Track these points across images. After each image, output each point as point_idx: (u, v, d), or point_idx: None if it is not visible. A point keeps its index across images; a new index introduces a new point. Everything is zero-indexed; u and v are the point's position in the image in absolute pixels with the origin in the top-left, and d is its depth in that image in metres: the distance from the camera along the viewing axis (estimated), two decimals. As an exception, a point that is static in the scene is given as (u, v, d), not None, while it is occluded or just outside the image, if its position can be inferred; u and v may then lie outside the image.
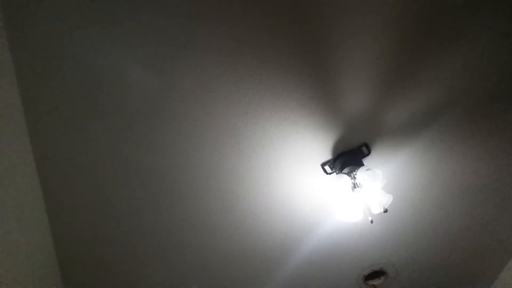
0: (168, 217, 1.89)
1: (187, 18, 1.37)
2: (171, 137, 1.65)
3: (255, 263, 2.21)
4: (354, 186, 1.69)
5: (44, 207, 1.71)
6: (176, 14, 1.36)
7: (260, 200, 1.92)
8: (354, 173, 1.70)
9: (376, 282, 2.49)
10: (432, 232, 2.24)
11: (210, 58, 1.47)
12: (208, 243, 2.04)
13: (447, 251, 2.36)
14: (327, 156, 1.82)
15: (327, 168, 1.84)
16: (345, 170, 1.73)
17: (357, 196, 1.69)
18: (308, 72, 1.55)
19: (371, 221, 1.73)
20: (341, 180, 1.68)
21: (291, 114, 1.66)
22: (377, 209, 1.67)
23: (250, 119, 1.65)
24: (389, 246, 2.28)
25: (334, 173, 1.84)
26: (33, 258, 1.60)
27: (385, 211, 1.64)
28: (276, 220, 2.02)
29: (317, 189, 1.92)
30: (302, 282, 2.40)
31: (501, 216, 2.18)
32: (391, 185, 1.94)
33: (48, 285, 1.76)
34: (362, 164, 1.76)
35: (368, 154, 1.81)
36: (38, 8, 1.27)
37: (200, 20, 1.38)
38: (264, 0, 1.37)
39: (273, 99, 1.61)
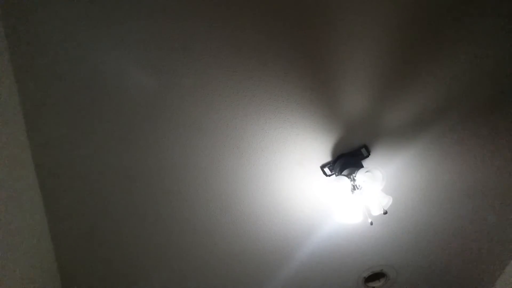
0: (168, 219, 1.89)
1: (187, 20, 1.38)
2: (171, 139, 1.65)
3: (254, 265, 2.20)
4: (354, 188, 1.69)
5: (44, 209, 1.71)
6: (176, 16, 1.36)
7: (260, 202, 1.92)
8: (353, 175, 1.70)
9: (376, 284, 2.49)
10: (432, 234, 2.23)
11: (210, 60, 1.47)
12: (207, 245, 2.04)
13: (447, 252, 2.35)
14: (327, 158, 1.82)
15: (326, 170, 1.84)
16: (345, 172, 1.73)
17: (356, 198, 1.69)
18: (308, 74, 1.56)
19: (371, 223, 1.73)
20: (341, 182, 1.68)
21: (290, 116, 1.66)
22: (377, 211, 1.67)
23: (249, 121, 1.65)
24: (389, 248, 2.28)
25: (334, 175, 1.84)
26: (32, 260, 1.60)
27: (385, 213, 1.64)
28: (276, 222, 2.02)
29: (316, 191, 1.92)
30: (302, 284, 2.39)
31: (501, 218, 2.18)
32: (391, 187, 1.94)
33: (47, 286, 1.75)
34: (362, 166, 1.76)
35: (367, 156, 1.81)
36: (38, 9, 1.28)
37: (200, 22, 1.39)
38: (264, 2, 1.37)
39: (272, 101, 1.61)
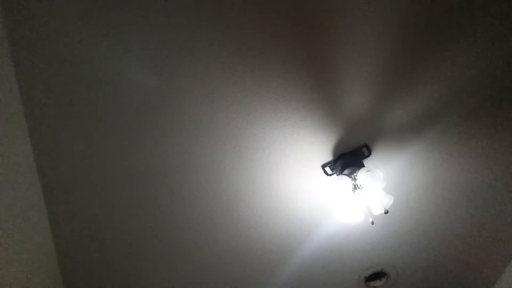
0: (169, 218, 1.89)
1: (187, 19, 1.37)
2: (172, 138, 1.65)
3: (255, 265, 2.21)
4: (355, 187, 1.69)
5: (45, 208, 1.71)
6: (176, 15, 1.36)
7: (261, 201, 1.92)
8: (354, 174, 1.70)
9: (377, 283, 2.49)
10: (433, 233, 2.23)
11: (210, 59, 1.47)
12: (208, 244, 2.04)
13: (448, 252, 2.35)
14: (328, 157, 1.81)
15: (327, 169, 1.84)
16: (346, 171, 1.73)
17: (357, 198, 1.69)
18: (309, 74, 1.55)
19: (372, 223, 1.73)
20: (342, 181, 1.68)
21: (291, 116, 1.66)
22: (378, 210, 1.67)
23: (250, 121, 1.65)
24: (390, 247, 2.28)
25: (335, 174, 1.84)
26: (33, 259, 1.60)
27: (386, 212, 1.64)
28: (277, 221, 2.02)
29: (317, 190, 1.92)
30: (303, 284, 2.39)
31: (502, 217, 2.17)
32: (392, 186, 1.94)
33: (48, 286, 1.76)
34: (363, 165, 1.76)
35: (368, 155, 1.81)
36: (39, 9, 1.28)
37: (201, 21, 1.39)
38: (265, 1, 1.37)
39: (273, 100, 1.61)
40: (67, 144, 1.58)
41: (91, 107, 1.51)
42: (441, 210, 2.12)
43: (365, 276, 2.43)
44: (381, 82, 1.61)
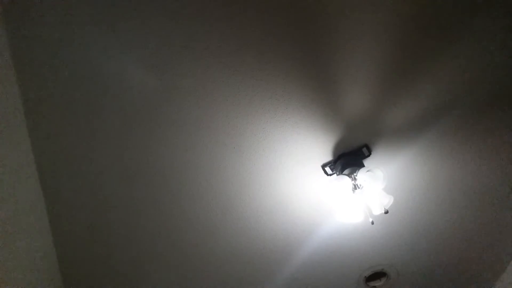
0: (169, 218, 1.89)
1: (188, 19, 1.37)
2: (172, 138, 1.65)
3: (255, 264, 2.20)
4: (355, 187, 1.69)
5: (45, 208, 1.71)
6: (177, 15, 1.36)
7: (261, 201, 1.92)
8: (354, 174, 1.70)
9: (377, 283, 2.49)
10: (433, 233, 2.23)
11: (211, 59, 1.47)
12: (208, 244, 2.04)
13: (448, 252, 2.35)
14: (328, 157, 1.81)
15: (327, 169, 1.84)
16: (346, 171, 1.73)
17: (357, 197, 1.69)
18: (309, 74, 1.55)
19: (372, 222, 1.73)
20: (342, 181, 1.68)
21: (291, 116, 1.66)
22: (378, 210, 1.67)
23: (250, 121, 1.65)
24: (390, 247, 2.28)
25: (335, 174, 1.84)
26: (34, 259, 1.60)
27: (386, 212, 1.64)
28: (277, 222, 2.02)
29: (317, 190, 1.92)
30: (303, 284, 2.39)
31: (502, 217, 2.17)
32: (392, 186, 1.94)
33: (48, 286, 1.76)
34: (363, 165, 1.76)
35: (368, 155, 1.81)
36: (39, 9, 1.28)
37: (201, 22, 1.39)
38: (265, 2, 1.37)
39: (273, 100, 1.61)
40: (67, 144, 1.58)
41: (91, 107, 1.51)
42: (441, 210, 2.12)
43: (365, 276, 2.43)
44: (381, 82, 1.61)
